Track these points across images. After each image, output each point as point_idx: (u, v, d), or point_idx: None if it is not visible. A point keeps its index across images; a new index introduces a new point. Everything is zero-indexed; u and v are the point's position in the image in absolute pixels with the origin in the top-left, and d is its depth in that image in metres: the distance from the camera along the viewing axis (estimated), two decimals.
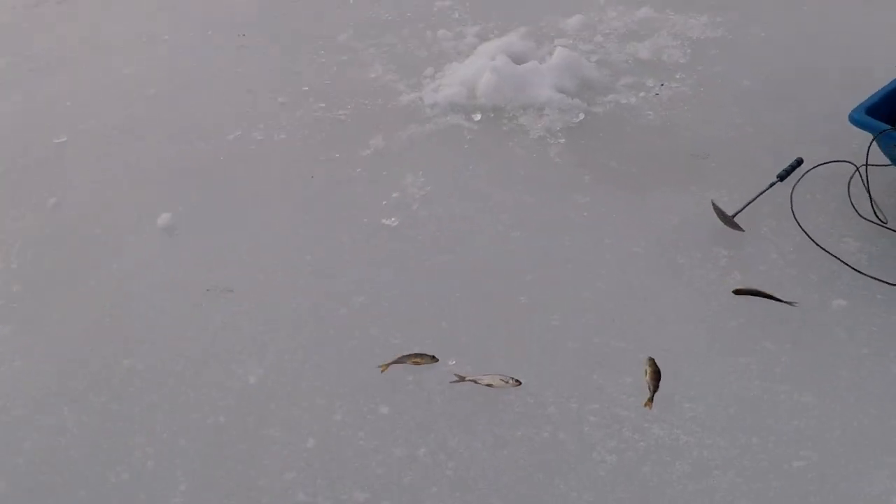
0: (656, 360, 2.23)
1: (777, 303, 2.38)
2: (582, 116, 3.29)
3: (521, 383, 2.20)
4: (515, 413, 2.17)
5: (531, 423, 2.14)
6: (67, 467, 2.15)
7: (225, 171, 3.24)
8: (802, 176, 2.69)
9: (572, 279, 2.57)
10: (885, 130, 2.38)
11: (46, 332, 2.57)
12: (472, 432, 2.13)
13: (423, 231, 2.83)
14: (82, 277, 2.77)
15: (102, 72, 4.04)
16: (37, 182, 3.27)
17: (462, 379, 2.24)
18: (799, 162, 2.73)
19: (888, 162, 2.61)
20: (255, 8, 4.52)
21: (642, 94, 3.40)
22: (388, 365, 2.29)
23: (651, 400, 2.14)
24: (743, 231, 2.60)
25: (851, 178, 2.58)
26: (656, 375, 2.18)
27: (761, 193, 2.66)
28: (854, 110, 2.49)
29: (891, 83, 2.59)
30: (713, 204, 2.63)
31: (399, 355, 2.32)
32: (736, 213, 2.62)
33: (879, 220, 2.50)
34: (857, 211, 2.55)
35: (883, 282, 2.38)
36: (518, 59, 3.59)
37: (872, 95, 2.54)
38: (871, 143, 2.44)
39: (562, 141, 3.19)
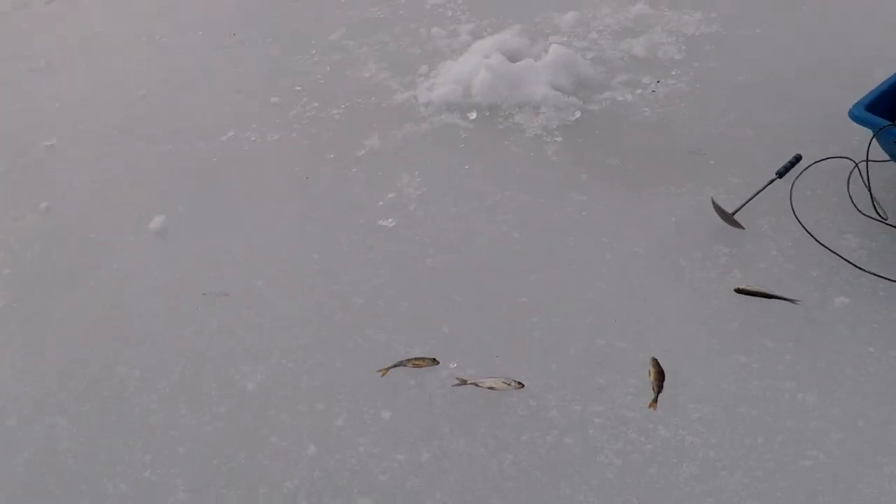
0: (659, 361, 2.21)
1: (778, 301, 2.37)
2: (578, 114, 3.26)
3: (523, 386, 2.18)
4: (518, 416, 2.15)
5: (535, 426, 2.11)
6: (65, 477, 2.11)
7: (219, 173, 3.21)
8: (801, 172, 2.67)
9: (573, 279, 2.55)
10: (885, 127, 2.37)
11: (41, 337, 2.54)
12: (475, 436, 2.11)
13: (421, 232, 2.80)
14: (76, 282, 2.73)
15: (94, 73, 4.01)
16: (28, 184, 3.22)
17: (464, 382, 2.21)
18: (798, 158, 2.72)
19: (887, 158, 2.60)
20: (245, 7, 4.48)
21: (638, 91, 3.38)
22: (388, 369, 2.27)
23: (655, 401, 2.12)
24: (743, 229, 2.58)
25: (851, 174, 2.57)
26: (660, 376, 2.16)
27: (761, 191, 2.64)
28: (854, 106, 2.47)
29: (890, 78, 2.57)
30: (713, 202, 2.62)
31: (399, 359, 2.30)
32: (736, 211, 2.61)
33: (880, 216, 2.49)
34: (856, 207, 2.54)
35: (884, 278, 2.37)
36: (512, 57, 3.56)
37: (872, 91, 2.52)
38: (871, 140, 2.42)
39: (558, 139, 3.17)
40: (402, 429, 2.14)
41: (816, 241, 2.49)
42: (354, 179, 3.09)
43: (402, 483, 2.02)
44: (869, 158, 2.46)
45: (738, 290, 2.39)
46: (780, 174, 2.68)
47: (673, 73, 3.45)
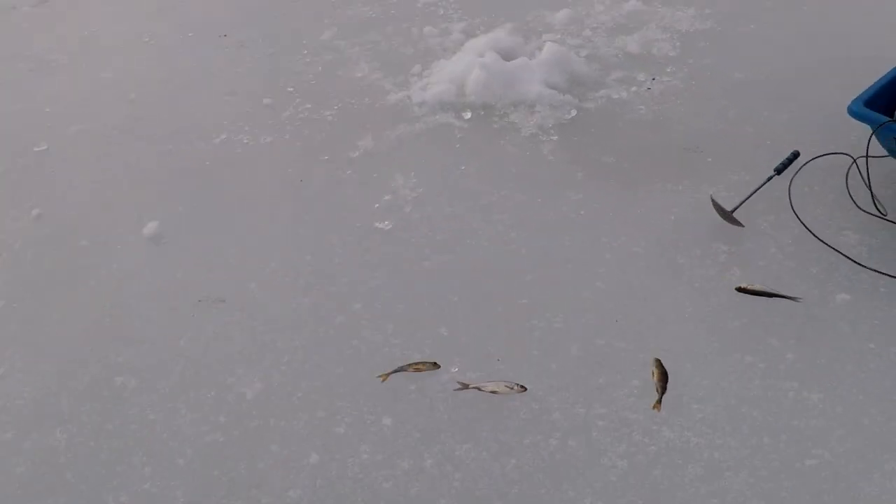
0: (662, 361, 2.20)
1: (779, 298, 2.36)
2: (574, 113, 3.25)
3: (526, 389, 2.16)
4: (521, 420, 2.13)
5: (538, 429, 2.10)
6: (63, 490, 2.08)
7: (212, 176, 3.17)
8: (799, 169, 2.67)
9: (572, 279, 2.53)
10: (884, 123, 2.36)
11: (35, 346, 2.50)
12: (478, 441, 2.09)
13: (417, 234, 2.77)
14: (71, 286, 2.70)
15: (83, 77, 3.96)
16: (18, 189, 3.19)
17: (465, 386, 2.19)
18: (795, 155, 2.71)
19: (885, 154, 2.59)
20: (235, 8, 4.44)
21: (633, 88, 3.36)
22: (388, 374, 2.24)
23: (659, 402, 2.11)
24: (743, 226, 2.57)
25: (849, 170, 2.56)
26: (664, 377, 2.15)
27: (759, 188, 2.63)
28: (853, 102, 2.46)
29: (887, 74, 2.57)
30: (712, 199, 2.60)
31: (399, 363, 2.27)
32: (735, 209, 2.60)
33: (879, 212, 2.48)
34: (855, 203, 2.53)
35: (884, 274, 2.37)
36: (506, 55, 3.54)
37: (869, 87, 2.52)
38: (871, 136, 2.41)
39: (554, 138, 3.15)
40: (405, 435, 2.12)
41: (816, 237, 2.48)
42: (349, 181, 3.06)
43: (406, 490, 2.00)
44: (870, 156, 2.45)
45: (739, 289, 2.38)
46: (779, 171, 2.67)
47: (668, 70, 3.44)
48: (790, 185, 2.61)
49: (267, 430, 2.16)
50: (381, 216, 2.85)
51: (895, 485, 1.92)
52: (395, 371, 2.24)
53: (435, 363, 2.24)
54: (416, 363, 2.25)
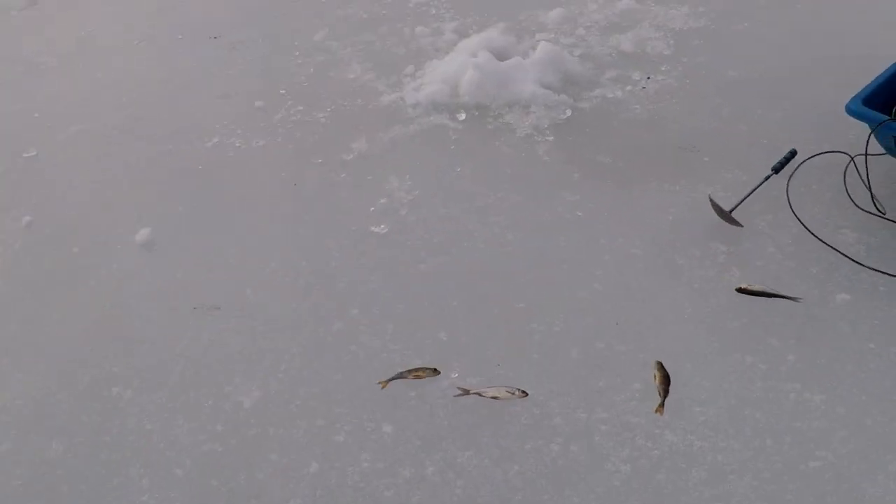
0: (663, 364, 2.18)
1: (779, 298, 2.35)
2: (569, 113, 3.23)
3: (527, 394, 2.14)
4: (522, 425, 2.11)
5: (540, 435, 2.08)
6: (60, 503, 2.04)
7: (204, 181, 3.14)
8: (797, 168, 2.66)
9: (569, 281, 2.51)
10: (884, 122, 2.35)
11: (30, 354, 2.47)
12: (480, 447, 2.07)
13: (414, 237, 2.75)
14: (62, 296, 2.66)
15: (74, 79, 3.91)
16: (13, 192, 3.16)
17: (466, 392, 2.17)
18: (793, 154, 2.70)
19: (882, 152, 2.59)
20: (225, 9, 4.40)
21: (628, 87, 3.35)
22: (388, 381, 2.22)
23: (662, 405, 2.09)
24: (741, 226, 2.56)
25: (847, 168, 2.55)
26: (666, 380, 2.13)
27: (757, 187, 2.62)
28: (851, 101, 2.45)
29: (885, 73, 2.56)
30: (711, 199, 2.59)
31: (398, 369, 2.25)
32: (733, 209, 2.59)
33: (879, 210, 2.48)
34: (854, 202, 2.52)
35: (884, 273, 2.36)
36: (499, 55, 3.52)
37: (867, 86, 2.51)
38: (870, 135, 2.40)
39: (550, 138, 3.13)
40: (405, 442, 2.09)
41: (816, 237, 2.47)
42: (343, 184, 3.04)
43: (407, 498, 1.98)
44: (867, 154, 2.44)
45: (740, 290, 2.37)
46: (776, 170, 2.66)
47: (662, 68, 3.43)
48: (788, 185, 2.60)
49: (265, 439, 2.13)
50: (377, 219, 2.82)
51: None
52: (395, 378, 2.22)
53: (435, 369, 2.22)
54: (416, 370, 2.23)
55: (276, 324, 2.47)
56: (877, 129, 2.40)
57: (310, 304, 2.52)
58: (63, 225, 2.97)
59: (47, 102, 3.73)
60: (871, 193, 2.48)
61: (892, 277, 2.35)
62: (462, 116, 3.30)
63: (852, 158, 2.52)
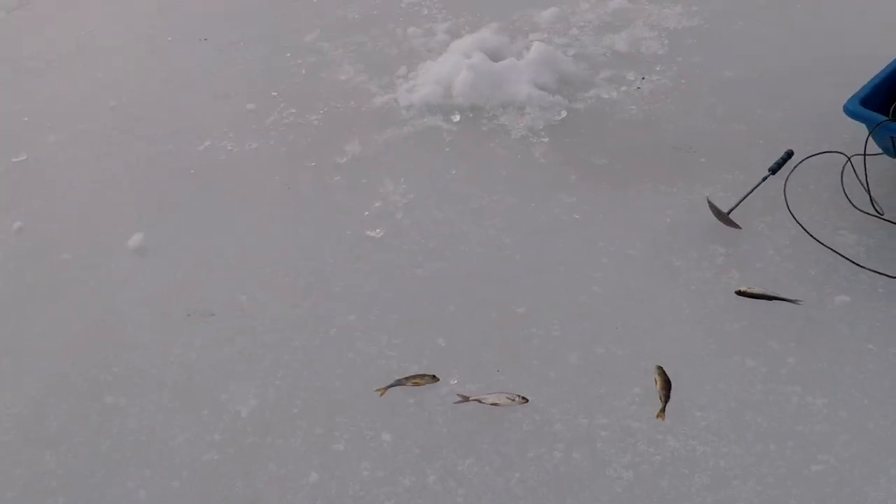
0: (664, 369, 2.17)
1: (779, 301, 2.34)
2: (564, 114, 3.21)
3: (527, 400, 2.12)
4: (523, 432, 2.09)
5: (541, 442, 2.06)
6: None
7: (196, 186, 3.10)
8: (794, 168, 2.65)
9: (568, 284, 2.50)
10: (882, 122, 2.34)
11: (20, 363, 2.43)
12: (480, 455, 2.05)
13: (409, 241, 2.73)
14: (56, 303, 2.62)
15: (60, 83, 3.86)
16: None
17: (466, 399, 2.15)
18: (789, 154, 2.69)
19: (879, 151, 2.58)
20: (214, 11, 4.35)
21: (623, 87, 3.33)
22: (386, 388, 2.19)
23: (663, 410, 2.08)
24: (740, 228, 2.55)
25: (844, 168, 2.55)
26: (667, 385, 2.12)
27: (754, 188, 2.61)
28: (848, 101, 2.45)
29: (881, 73, 2.56)
30: (709, 201, 2.58)
31: (397, 376, 2.23)
32: (731, 210, 2.57)
33: (877, 211, 2.47)
34: (852, 203, 2.52)
35: (883, 274, 2.35)
36: (492, 55, 3.50)
37: (864, 86, 2.50)
38: (868, 136, 2.40)
39: (545, 140, 3.11)
40: (405, 450, 2.07)
41: (815, 239, 2.46)
42: (337, 187, 3.01)
43: None
44: (863, 153, 2.44)
45: (739, 293, 2.35)
46: (773, 170, 2.65)
47: (657, 68, 3.41)
48: (785, 186, 2.59)
49: (264, 448, 2.11)
50: (372, 223, 2.80)
51: None
52: (394, 385, 2.20)
53: (434, 376, 2.20)
54: (415, 377, 2.20)
55: (271, 330, 2.44)
56: (874, 130, 2.39)
57: (305, 310, 2.49)
58: (54, 230, 2.93)
59: (38, 106, 3.67)
60: (870, 194, 2.47)
61: (890, 279, 2.34)
62: (456, 118, 3.28)
63: (849, 159, 2.52)
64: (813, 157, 2.63)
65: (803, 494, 1.91)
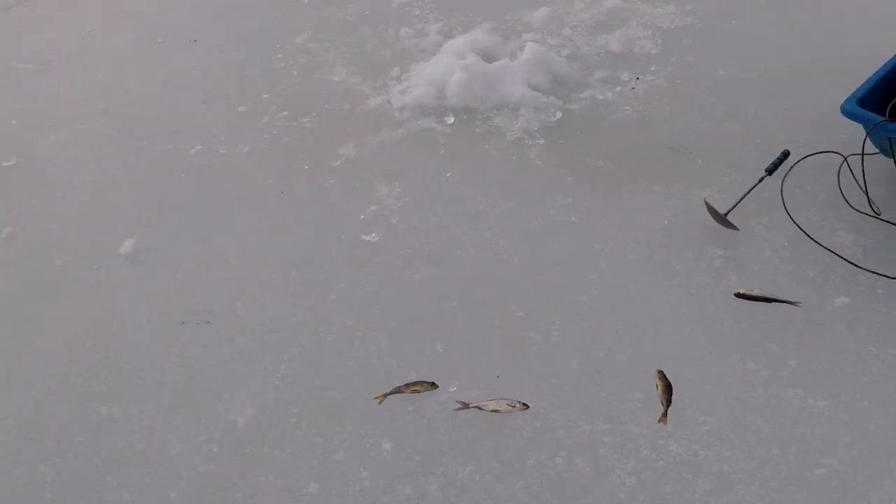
0: (665, 373, 2.16)
1: (778, 303, 2.33)
2: (559, 115, 3.19)
3: (528, 407, 2.11)
4: (524, 439, 2.07)
5: (542, 448, 2.04)
6: None
7: (188, 190, 3.07)
8: (790, 169, 2.64)
9: (566, 288, 2.48)
10: (879, 123, 2.34)
11: (12, 374, 2.39)
12: (482, 463, 2.03)
13: (406, 245, 2.71)
14: (44, 310, 2.59)
15: (51, 86, 3.81)
16: None
17: (466, 406, 2.13)
18: (786, 154, 2.68)
19: (875, 151, 2.58)
20: (203, 12, 4.31)
21: (618, 88, 3.32)
22: (385, 395, 2.17)
23: (665, 415, 2.06)
24: (738, 230, 2.54)
25: (840, 168, 2.54)
26: (668, 389, 2.10)
27: (751, 189, 2.60)
28: (846, 101, 2.44)
29: (878, 72, 2.55)
30: (706, 203, 2.57)
31: (395, 383, 2.21)
32: (728, 212, 2.56)
33: (874, 211, 2.46)
34: (849, 203, 2.51)
35: (882, 275, 2.35)
36: (485, 56, 3.48)
37: (861, 86, 2.50)
38: (866, 137, 2.39)
39: (540, 142, 3.10)
40: (405, 459, 2.05)
41: (813, 240, 2.45)
42: (332, 191, 2.98)
43: None
44: (859, 153, 2.43)
45: (739, 295, 2.34)
46: (770, 171, 2.64)
47: (651, 68, 3.40)
48: (782, 186, 2.58)
49: (262, 459, 2.08)
50: (368, 228, 2.77)
51: None
52: (392, 392, 2.17)
53: (433, 383, 2.18)
54: (414, 384, 2.18)
55: (267, 337, 2.41)
56: (872, 130, 2.38)
57: (301, 317, 2.47)
58: (45, 236, 2.89)
59: (20, 110, 3.63)
60: (868, 196, 2.46)
61: (889, 279, 2.34)
62: (450, 120, 3.26)
63: (845, 159, 2.51)
64: (809, 158, 2.62)
65: (807, 499, 1.90)
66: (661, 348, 2.27)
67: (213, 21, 4.19)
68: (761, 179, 2.63)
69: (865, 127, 2.41)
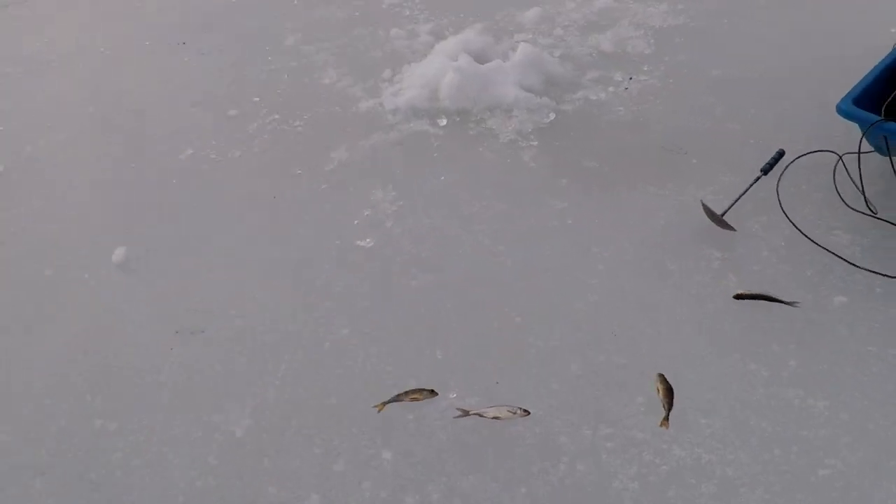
0: (665, 376, 2.14)
1: (777, 303, 2.32)
2: (552, 116, 3.18)
3: (529, 413, 2.09)
4: (526, 446, 2.05)
5: (545, 455, 2.03)
6: None
7: (179, 196, 3.03)
8: (786, 168, 2.64)
9: (563, 292, 2.46)
10: (876, 122, 2.34)
11: (2, 388, 2.35)
12: (484, 470, 2.01)
13: (401, 250, 2.68)
14: (36, 322, 2.54)
15: (35, 91, 3.75)
16: None
17: (466, 413, 2.11)
18: (781, 154, 2.68)
19: (871, 150, 2.57)
20: (192, 14, 4.27)
21: (611, 88, 3.31)
22: (385, 404, 2.15)
23: (667, 419, 2.05)
24: (735, 230, 2.53)
25: (836, 167, 2.54)
26: (669, 393, 2.09)
27: (747, 189, 2.60)
28: (841, 101, 2.44)
29: (872, 71, 2.55)
30: (703, 204, 2.56)
31: (394, 392, 2.18)
32: (724, 212, 2.56)
33: (871, 210, 2.46)
34: (845, 202, 2.51)
35: (880, 274, 2.35)
36: (477, 57, 3.46)
37: (857, 85, 2.49)
38: (862, 136, 2.39)
39: (534, 143, 3.08)
40: (407, 468, 2.03)
41: (811, 240, 2.45)
42: (325, 196, 2.95)
43: None
44: (854, 152, 2.43)
45: (738, 296, 2.34)
46: (765, 171, 2.64)
47: (644, 68, 3.39)
48: (778, 186, 2.58)
49: (261, 471, 2.05)
50: (362, 233, 2.75)
51: None
52: (392, 400, 2.15)
53: (432, 391, 2.15)
54: (413, 391, 2.16)
55: (262, 346, 2.38)
56: (868, 130, 2.38)
57: (297, 325, 2.44)
58: (34, 246, 2.85)
59: (5, 116, 3.58)
60: (864, 195, 2.46)
61: (887, 278, 2.33)
62: (443, 122, 3.24)
63: (840, 157, 2.51)
64: (804, 157, 2.62)
65: (812, 501, 1.90)
66: (660, 350, 2.26)
67: (200, 23, 4.16)
68: (757, 179, 2.62)
69: (861, 126, 2.41)
